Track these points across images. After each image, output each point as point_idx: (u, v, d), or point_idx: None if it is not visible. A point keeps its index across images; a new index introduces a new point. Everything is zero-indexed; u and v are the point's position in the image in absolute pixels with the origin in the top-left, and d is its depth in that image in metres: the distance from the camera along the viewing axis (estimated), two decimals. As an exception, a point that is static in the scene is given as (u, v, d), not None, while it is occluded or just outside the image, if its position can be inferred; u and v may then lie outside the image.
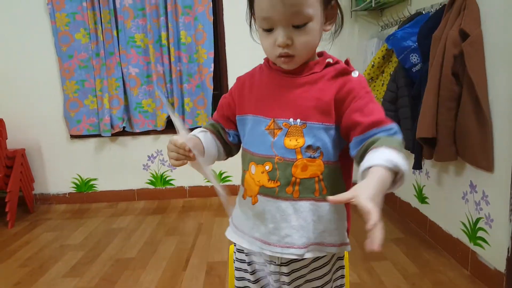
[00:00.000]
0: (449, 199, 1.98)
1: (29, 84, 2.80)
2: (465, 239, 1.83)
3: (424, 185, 2.23)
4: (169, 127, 2.85)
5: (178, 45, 2.70)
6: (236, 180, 2.94)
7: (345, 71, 0.75)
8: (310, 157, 0.75)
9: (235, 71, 2.80)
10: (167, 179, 2.99)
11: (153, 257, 2.07)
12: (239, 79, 0.90)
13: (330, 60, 0.77)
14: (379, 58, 2.36)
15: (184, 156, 0.75)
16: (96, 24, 2.65)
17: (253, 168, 0.81)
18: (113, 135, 2.82)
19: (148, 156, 2.94)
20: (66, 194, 2.97)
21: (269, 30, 0.72)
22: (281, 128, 0.76)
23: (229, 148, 0.91)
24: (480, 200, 1.73)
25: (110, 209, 2.88)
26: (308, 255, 0.75)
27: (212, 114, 2.83)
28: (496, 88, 1.62)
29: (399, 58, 2.12)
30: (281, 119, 0.76)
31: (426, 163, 2.18)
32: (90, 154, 2.92)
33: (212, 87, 2.75)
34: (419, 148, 1.95)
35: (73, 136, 2.87)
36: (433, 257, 1.96)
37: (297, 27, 0.70)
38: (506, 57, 1.56)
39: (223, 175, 2.97)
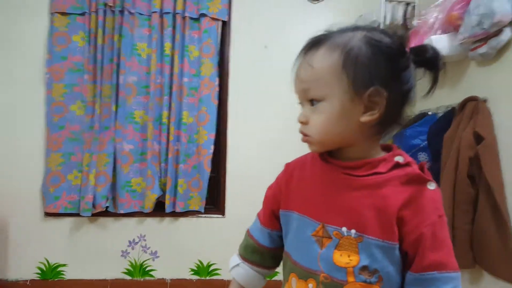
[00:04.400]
0: (468, 310, 1.81)
1: (7, 154, 2.56)
2: None
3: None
4: (157, 209, 2.62)
5: (179, 124, 2.62)
6: (225, 274, 2.66)
7: (420, 179, 0.62)
8: (365, 281, 0.60)
9: (235, 154, 2.72)
10: (147, 269, 2.66)
11: None
12: (288, 166, 0.78)
13: (400, 160, 0.64)
14: (385, 153, 2.35)
15: None
16: (95, 97, 2.56)
17: (293, 282, 0.66)
18: (93, 215, 2.54)
19: (129, 241, 2.64)
20: (27, 281, 2.55)
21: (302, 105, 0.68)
22: (331, 238, 0.62)
23: (278, 260, 0.80)
24: (506, 313, 1.58)
25: (77, 303, 2.48)
26: None
27: (206, 198, 2.67)
28: (514, 193, 1.59)
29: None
30: (332, 225, 0.63)
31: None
32: (63, 235, 2.59)
33: (209, 169, 2.62)
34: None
35: (47, 214, 2.57)
36: None
37: (313, 104, 0.64)
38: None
39: (211, 268, 2.68)
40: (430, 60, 0.64)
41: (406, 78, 0.63)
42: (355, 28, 0.65)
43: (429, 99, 2.23)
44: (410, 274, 0.60)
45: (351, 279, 0.60)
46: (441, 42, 1.87)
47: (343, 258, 0.61)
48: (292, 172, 0.75)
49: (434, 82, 0.66)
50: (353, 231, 0.61)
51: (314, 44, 0.65)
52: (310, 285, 0.63)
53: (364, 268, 0.60)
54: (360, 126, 0.63)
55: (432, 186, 0.61)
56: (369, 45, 0.61)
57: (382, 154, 0.67)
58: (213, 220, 2.70)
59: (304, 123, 0.65)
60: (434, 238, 0.59)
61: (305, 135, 0.66)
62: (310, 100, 0.64)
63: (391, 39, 0.63)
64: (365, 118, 0.62)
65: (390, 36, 0.63)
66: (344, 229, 0.62)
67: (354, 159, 0.66)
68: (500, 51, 1.72)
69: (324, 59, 0.62)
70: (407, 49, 0.63)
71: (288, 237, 0.72)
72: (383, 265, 0.60)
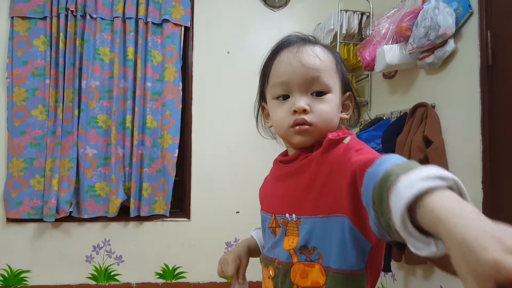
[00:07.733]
0: (419, 305, 1.90)
1: (-33, 158, 2.52)
2: None
3: (390, 289, 2.16)
4: (122, 214, 2.62)
5: (142, 128, 2.63)
6: (190, 277, 2.69)
7: (333, 143, 0.62)
8: (306, 260, 0.62)
9: (199, 158, 2.74)
10: (112, 273, 2.65)
11: None
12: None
13: (332, 136, 0.63)
14: (343, 156, 2.43)
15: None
16: (57, 102, 2.54)
17: (262, 270, 0.73)
18: (57, 220, 2.52)
19: (94, 246, 2.63)
20: (-13, 289, 2.52)
21: (285, 98, 0.67)
22: (280, 226, 0.68)
23: None
24: (452, 307, 1.67)
25: (39, 309, 2.45)
26: None
27: (171, 202, 2.68)
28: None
29: (364, 158, 2.19)
30: (279, 215, 0.68)
31: (392, 265, 2.13)
32: (26, 241, 2.56)
33: (174, 172, 2.64)
34: (388, 250, 1.92)
35: (9, 220, 2.53)
36: None
37: (317, 95, 0.65)
38: (466, 165, 1.65)
39: (176, 271, 2.70)
40: None
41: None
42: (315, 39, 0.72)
43: (383, 105, 2.31)
44: (362, 191, 0.53)
45: (295, 259, 0.63)
46: (392, 52, 1.95)
47: (289, 242, 0.65)
48: (267, 177, 0.82)
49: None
50: (293, 215, 0.65)
51: (306, 41, 0.69)
52: (271, 271, 0.68)
53: (304, 247, 0.62)
54: (338, 121, 0.70)
55: (347, 140, 0.62)
56: (340, 58, 0.72)
57: None
58: (178, 224, 2.72)
59: (307, 111, 0.64)
60: (360, 151, 0.57)
61: (306, 123, 0.65)
62: (313, 91, 0.66)
63: None
64: (343, 115, 0.71)
65: None
66: (287, 215, 0.66)
67: None
68: (446, 61, 1.81)
69: (325, 55, 0.67)
70: None
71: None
72: (321, 241, 0.61)
